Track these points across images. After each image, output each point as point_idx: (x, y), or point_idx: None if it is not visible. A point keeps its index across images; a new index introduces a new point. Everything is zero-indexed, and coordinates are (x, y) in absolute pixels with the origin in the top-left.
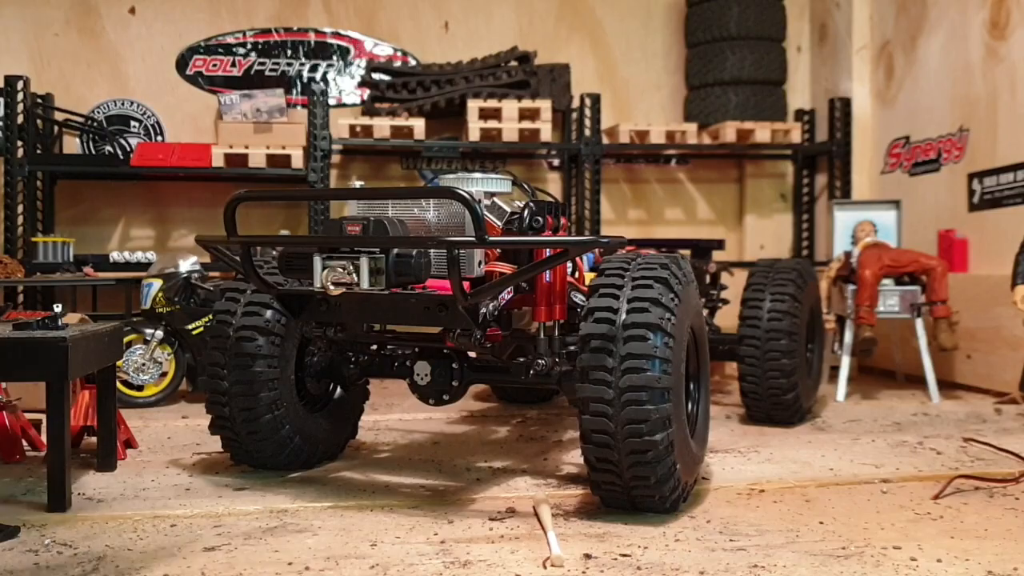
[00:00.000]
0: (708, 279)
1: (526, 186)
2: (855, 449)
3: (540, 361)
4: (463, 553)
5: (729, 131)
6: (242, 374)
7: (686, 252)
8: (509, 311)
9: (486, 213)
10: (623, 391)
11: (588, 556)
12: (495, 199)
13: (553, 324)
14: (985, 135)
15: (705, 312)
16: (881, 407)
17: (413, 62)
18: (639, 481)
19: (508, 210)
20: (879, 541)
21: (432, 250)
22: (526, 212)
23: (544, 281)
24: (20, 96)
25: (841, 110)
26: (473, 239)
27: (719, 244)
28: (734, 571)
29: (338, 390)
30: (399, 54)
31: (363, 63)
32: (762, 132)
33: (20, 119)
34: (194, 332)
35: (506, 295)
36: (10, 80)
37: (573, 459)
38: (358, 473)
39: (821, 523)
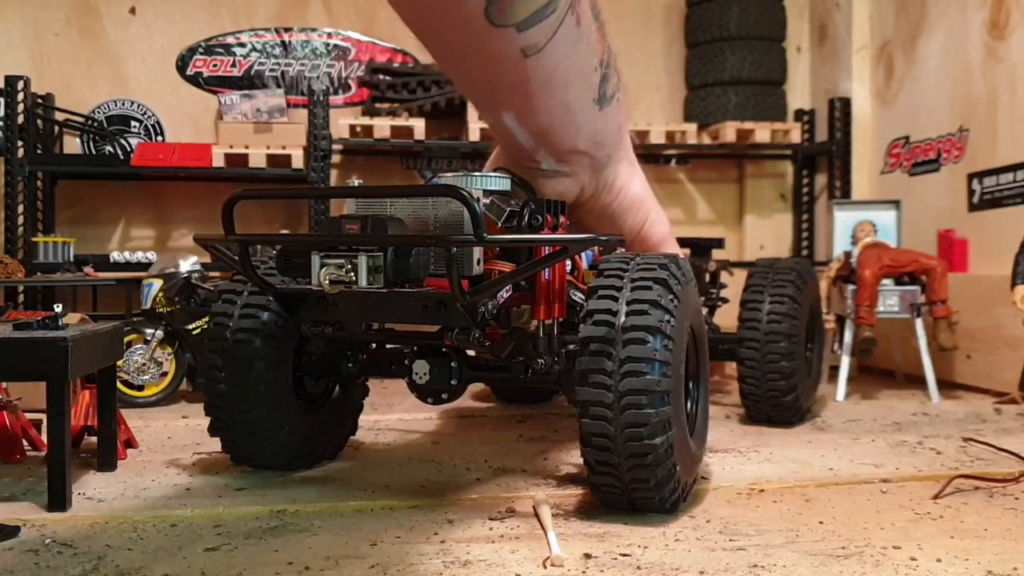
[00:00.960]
0: (708, 278)
1: (526, 184)
2: (855, 449)
3: (539, 360)
4: (463, 553)
5: (729, 131)
6: (240, 376)
7: (686, 250)
8: (508, 309)
9: (485, 212)
10: (623, 395)
11: (588, 556)
12: (494, 198)
13: (552, 323)
14: (985, 135)
15: (705, 311)
16: (881, 407)
17: (413, 62)
18: (639, 483)
19: (507, 209)
20: (879, 541)
21: (431, 248)
22: (525, 210)
23: (543, 279)
24: (20, 96)
25: (841, 110)
26: (471, 237)
27: (719, 243)
28: (734, 571)
29: (337, 389)
30: (399, 54)
31: (363, 63)
32: (762, 132)
33: (20, 119)
34: (194, 332)
35: (505, 293)
36: (10, 80)
37: (573, 459)
38: (358, 473)
39: (821, 523)
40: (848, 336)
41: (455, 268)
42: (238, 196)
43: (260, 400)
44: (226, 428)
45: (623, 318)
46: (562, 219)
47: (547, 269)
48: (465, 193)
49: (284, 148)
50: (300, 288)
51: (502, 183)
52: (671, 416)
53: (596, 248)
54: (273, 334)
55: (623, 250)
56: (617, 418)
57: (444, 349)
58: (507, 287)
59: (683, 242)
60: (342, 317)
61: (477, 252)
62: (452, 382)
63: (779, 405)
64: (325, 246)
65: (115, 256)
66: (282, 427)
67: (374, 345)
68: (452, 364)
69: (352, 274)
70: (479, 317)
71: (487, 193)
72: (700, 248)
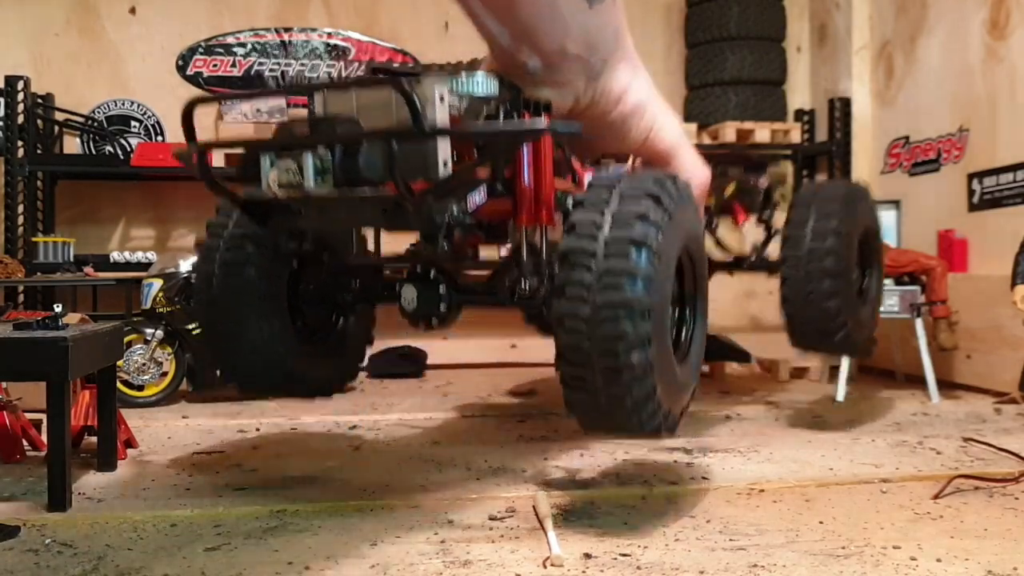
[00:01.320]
0: (761, 196)
1: (516, 87)
2: (855, 449)
3: (524, 281)
4: (463, 553)
5: (729, 131)
6: (233, 281)
7: (736, 167)
8: (503, 223)
9: (461, 113)
10: (600, 308)
11: (588, 556)
12: (473, 100)
13: (541, 236)
14: (985, 135)
15: (760, 239)
16: (881, 407)
17: (413, 62)
18: (615, 402)
19: (485, 109)
20: (879, 541)
21: (389, 149)
22: (502, 111)
23: (523, 183)
24: (21, 96)
25: (841, 110)
26: (411, 131)
27: (775, 158)
28: (734, 571)
29: (340, 322)
30: (399, 54)
31: (363, 63)
32: (762, 132)
33: (21, 119)
34: (194, 332)
35: (477, 198)
36: (10, 80)
37: (573, 460)
38: (358, 473)
39: (821, 523)
40: None
41: (395, 165)
42: (196, 100)
43: (252, 307)
44: (218, 340)
45: (607, 231)
46: (545, 117)
47: (527, 172)
48: (404, 83)
49: None
50: (256, 195)
51: (489, 86)
52: (650, 334)
53: (631, 164)
54: (266, 244)
55: (620, 165)
56: (593, 332)
57: (433, 273)
58: (480, 191)
59: (735, 158)
60: (305, 224)
61: (443, 152)
62: (441, 307)
63: (825, 332)
64: (276, 148)
65: (115, 256)
66: (275, 344)
67: (372, 272)
68: (440, 289)
69: (299, 176)
70: (442, 223)
71: (467, 96)
72: (754, 164)
